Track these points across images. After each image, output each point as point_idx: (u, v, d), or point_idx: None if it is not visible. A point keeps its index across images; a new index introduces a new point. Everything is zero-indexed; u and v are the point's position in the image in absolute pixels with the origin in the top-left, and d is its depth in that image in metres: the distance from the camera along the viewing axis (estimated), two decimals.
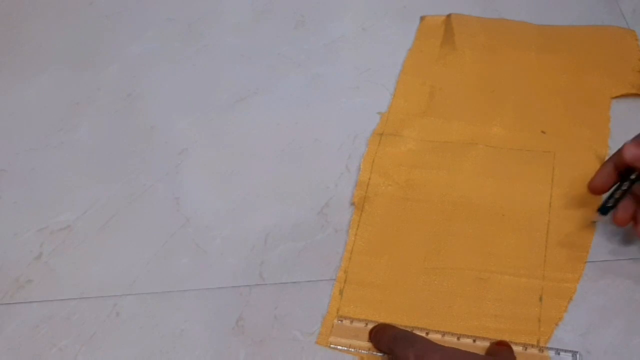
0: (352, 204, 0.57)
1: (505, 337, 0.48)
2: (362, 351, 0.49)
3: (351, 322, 0.50)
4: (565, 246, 0.53)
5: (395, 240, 0.55)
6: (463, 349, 0.46)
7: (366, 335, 0.49)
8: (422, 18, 0.72)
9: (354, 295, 0.52)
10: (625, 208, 0.51)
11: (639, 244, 0.53)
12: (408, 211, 0.56)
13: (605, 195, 0.52)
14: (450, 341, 0.48)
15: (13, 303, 0.54)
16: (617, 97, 0.63)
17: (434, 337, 0.49)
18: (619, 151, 0.50)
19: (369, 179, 0.59)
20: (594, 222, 0.52)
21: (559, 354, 0.47)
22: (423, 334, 0.48)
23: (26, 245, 0.57)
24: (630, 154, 0.48)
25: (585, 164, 0.58)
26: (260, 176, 0.61)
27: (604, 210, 0.51)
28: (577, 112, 0.62)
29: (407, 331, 0.48)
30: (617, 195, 0.51)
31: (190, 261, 0.55)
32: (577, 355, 0.47)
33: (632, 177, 0.49)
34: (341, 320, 0.50)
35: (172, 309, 0.53)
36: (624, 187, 0.50)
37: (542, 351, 0.47)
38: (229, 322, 0.51)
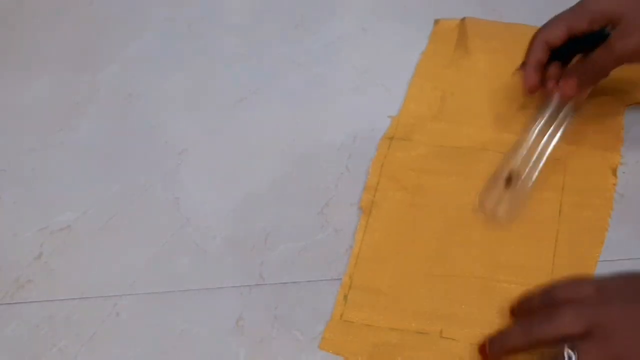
0: (360, 208, 0.57)
1: None
2: None
3: None
4: (574, 255, 0.52)
5: (402, 246, 0.54)
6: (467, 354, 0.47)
7: (369, 336, 0.49)
8: (436, 21, 0.72)
9: (358, 300, 0.52)
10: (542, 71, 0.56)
11: None
12: (416, 217, 0.56)
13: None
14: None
15: (13, 303, 0.54)
16: (630, 105, 0.62)
17: (437, 342, 0.49)
18: (534, 47, 0.56)
19: (377, 183, 0.58)
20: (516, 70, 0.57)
21: None
22: (425, 339, 0.49)
23: (26, 245, 0.57)
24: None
25: (597, 172, 0.57)
26: (260, 176, 0.61)
27: None
28: (590, 119, 0.61)
29: None
30: None
31: (190, 261, 0.55)
32: None
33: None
34: None
35: (172, 309, 0.53)
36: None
37: None
38: (229, 322, 0.52)
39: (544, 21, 0.70)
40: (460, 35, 0.69)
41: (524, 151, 0.55)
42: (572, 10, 0.55)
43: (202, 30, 0.74)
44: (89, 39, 0.75)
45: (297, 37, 0.73)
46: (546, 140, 0.55)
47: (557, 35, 0.55)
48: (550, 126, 0.56)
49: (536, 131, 0.56)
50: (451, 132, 0.61)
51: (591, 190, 0.56)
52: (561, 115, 0.56)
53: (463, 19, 0.71)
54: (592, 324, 0.41)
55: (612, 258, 0.52)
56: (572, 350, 0.41)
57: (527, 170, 0.54)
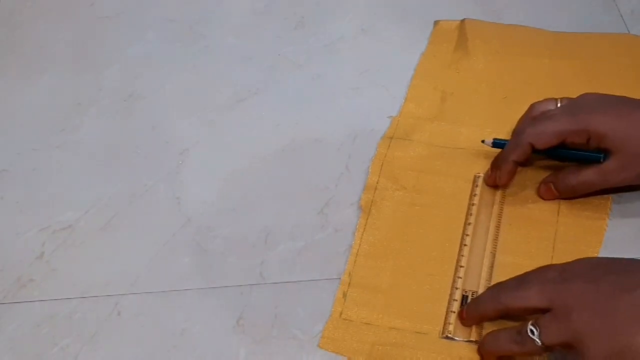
0: (360, 207, 0.57)
1: None
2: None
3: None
4: (573, 255, 0.52)
5: (401, 246, 0.55)
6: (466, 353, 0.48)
7: (368, 335, 0.50)
8: (436, 22, 0.72)
9: (357, 298, 0.52)
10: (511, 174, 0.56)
11: None
12: (415, 216, 0.56)
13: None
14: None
15: (15, 302, 0.54)
16: None
17: (436, 341, 0.49)
18: (518, 147, 0.54)
19: (377, 182, 0.58)
20: (482, 141, 0.58)
21: None
22: (424, 338, 0.49)
23: (28, 244, 0.57)
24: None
25: None
26: (261, 176, 0.61)
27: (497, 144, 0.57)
28: None
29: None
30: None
31: (191, 261, 0.56)
32: None
33: None
34: None
35: (173, 308, 0.53)
36: None
37: None
38: (229, 322, 0.52)
39: (543, 23, 0.71)
40: (460, 36, 0.70)
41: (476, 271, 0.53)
42: (569, 119, 0.53)
43: (203, 30, 0.75)
44: (90, 39, 0.75)
45: (297, 37, 0.73)
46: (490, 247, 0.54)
47: (547, 143, 0.53)
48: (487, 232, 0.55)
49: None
50: (451, 132, 0.62)
51: None
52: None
53: (463, 20, 0.71)
54: (554, 300, 0.44)
55: None
56: (535, 325, 0.44)
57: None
